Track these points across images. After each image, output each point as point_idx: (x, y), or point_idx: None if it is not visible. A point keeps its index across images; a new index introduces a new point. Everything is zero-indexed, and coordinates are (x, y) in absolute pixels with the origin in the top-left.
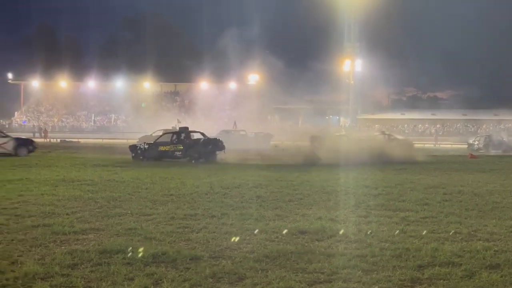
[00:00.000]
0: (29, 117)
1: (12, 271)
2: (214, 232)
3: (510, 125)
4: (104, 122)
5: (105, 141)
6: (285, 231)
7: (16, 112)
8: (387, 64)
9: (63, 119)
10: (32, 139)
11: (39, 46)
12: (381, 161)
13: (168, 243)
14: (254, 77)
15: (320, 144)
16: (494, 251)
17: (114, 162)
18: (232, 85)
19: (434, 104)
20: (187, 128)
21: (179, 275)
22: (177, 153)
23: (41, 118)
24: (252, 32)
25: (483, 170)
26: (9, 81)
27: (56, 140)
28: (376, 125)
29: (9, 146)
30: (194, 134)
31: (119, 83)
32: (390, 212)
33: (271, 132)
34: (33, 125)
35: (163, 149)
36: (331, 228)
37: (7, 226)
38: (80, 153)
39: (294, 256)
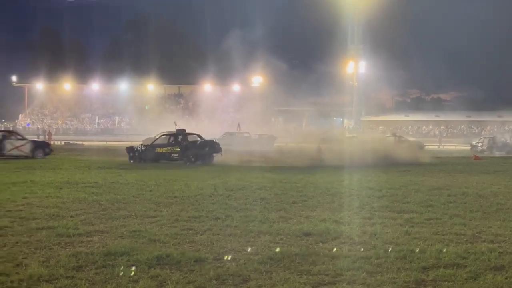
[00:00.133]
0: (33, 120)
1: (17, 273)
2: (218, 234)
3: None
4: (108, 125)
5: (109, 143)
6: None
7: (20, 115)
8: (391, 66)
9: (67, 122)
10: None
11: (43, 48)
12: (392, 163)
13: (173, 245)
14: (257, 79)
15: (332, 146)
16: (498, 252)
17: (118, 165)
18: (236, 87)
19: (438, 105)
20: (184, 130)
21: (184, 277)
22: (174, 155)
23: (45, 121)
24: (256, 34)
25: (487, 171)
26: (13, 83)
27: (60, 143)
28: (380, 127)
29: (26, 148)
30: (191, 136)
31: (123, 86)
32: (394, 214)
33: (274, 134)
34: (37, 128)
35: (160, 151)
36: (335, 230)
37: (12, 228)
38: (84, 155)
39: (299, 258)
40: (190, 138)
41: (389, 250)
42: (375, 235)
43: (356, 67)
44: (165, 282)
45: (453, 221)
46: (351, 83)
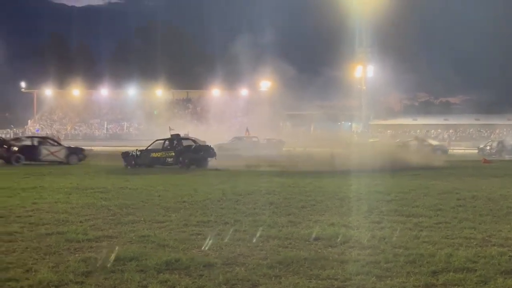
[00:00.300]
0: (42, 125)
1: (27, 279)
2: (227, 239)
3: None
4: (117, 130)
5: (118, 148)
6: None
7: (29, 121)
8: (399, 69)
9: (76, 127)
10: (82, 147)
11: (52, 54)
12: (418, 167)
13: (182, 250)
14: (266, 84)
15: (354, 150)
16: (509, 256)
17: (127, 170)
18: (244, 91)
19: (446, 109)
20: (178, 135)
21: (193, 282)
22: (169, 160)
23: (54, 126)
24: (264, 39)
25: (496, 175)
26: (22, 90)
27: None
28: (388, 131)
29: (61, 154)
30: (185, 141)
31: (132, 91)
32: (403, 218)
33: (283, 139)
34: (46, 133)
35: (155, 156)
36: (344, 234)
37: (21, 234)
38: (93, 160)
39: (308, 262)
40: (184, 143)
41: (399, 254)
42: (384, 239)
43: (364, 71)
44: (174, 287)
45: (463, 225)
46: (359, 87)
